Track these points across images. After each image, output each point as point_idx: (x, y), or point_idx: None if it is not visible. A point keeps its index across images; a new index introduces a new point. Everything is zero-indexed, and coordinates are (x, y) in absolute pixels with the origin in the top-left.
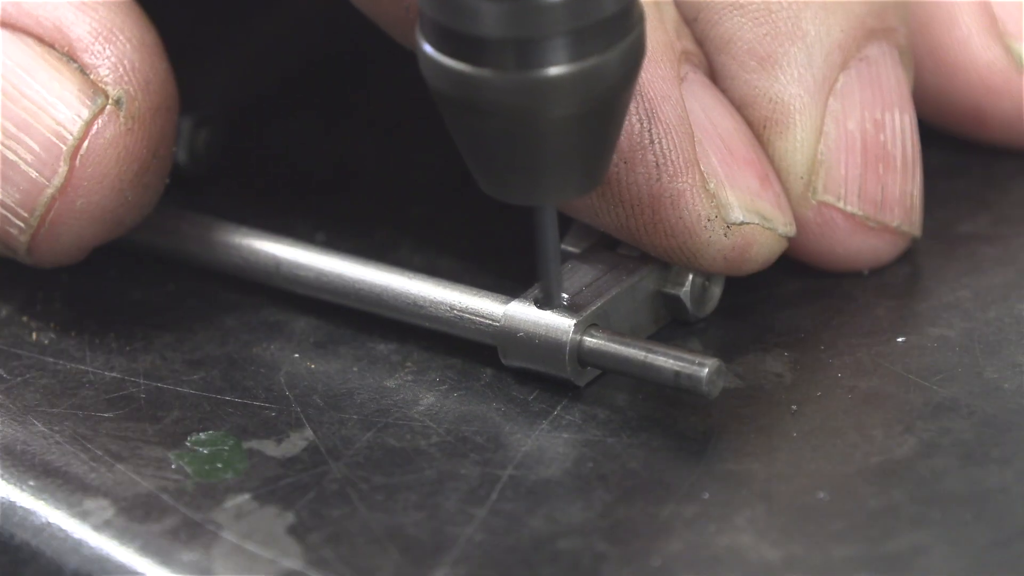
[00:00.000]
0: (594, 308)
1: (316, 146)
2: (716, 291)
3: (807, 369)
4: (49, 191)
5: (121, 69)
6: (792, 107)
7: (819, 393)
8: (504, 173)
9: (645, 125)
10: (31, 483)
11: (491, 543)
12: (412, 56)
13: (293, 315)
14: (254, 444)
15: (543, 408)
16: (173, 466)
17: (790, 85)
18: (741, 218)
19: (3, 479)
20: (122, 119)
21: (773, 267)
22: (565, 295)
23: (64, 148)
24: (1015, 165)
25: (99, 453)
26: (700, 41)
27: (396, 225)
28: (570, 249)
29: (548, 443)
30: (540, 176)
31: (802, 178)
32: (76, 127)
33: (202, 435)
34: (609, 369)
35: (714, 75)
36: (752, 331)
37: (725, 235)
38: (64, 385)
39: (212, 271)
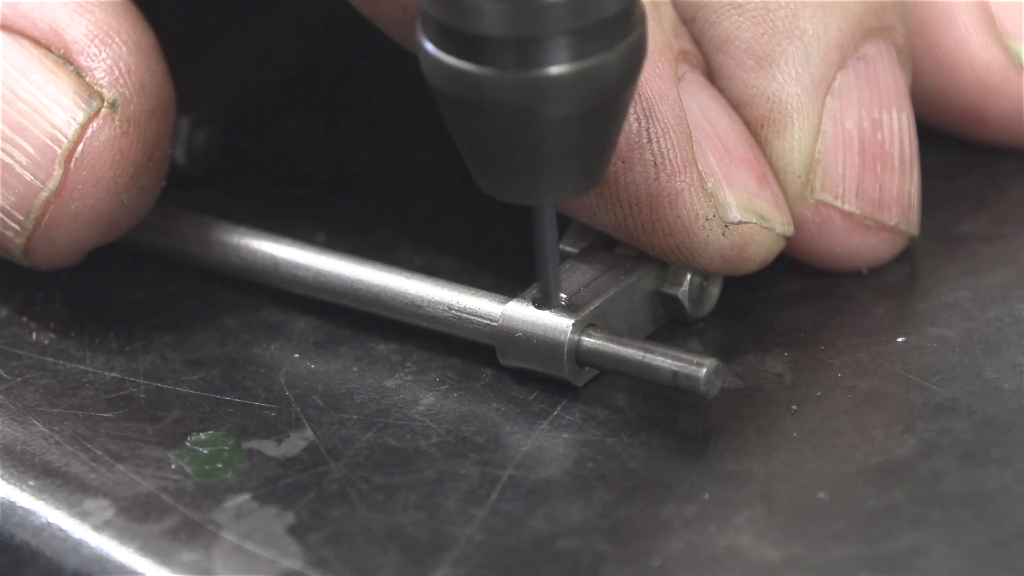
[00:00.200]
0: (592, 308)
1: (316, 146)
2: (714, 291)
3: (807, 369)
4: (44, 194)
5: (117, 72)
6: (790, 106)
7: (819, 393)
8: (503, 172)
9: (643, 124)
10: (31, 483)
11: (491, 543)
12: (412, 56)
13: (293, 315)
14: (254, 444)
15: (543, 408)
16: (173, 466)
17: (788, 84)
18: (739, 217)
19: (3, 479)
20: (117, 122)
21: (772, 267)
22: (563, 295)
23: (59, 151)
24: (1014, 165)
25: (99, 453)
26: (698, 41)
27: (396, 225)
28: (568, 249)
29: (548, 443)
30: (539, 175)
31: (800, 177)
32: (71, 130)
33: (202, 435)
34: (607, 369)
35: (712, 74)
36: (751, 331)
37: (723, 234)
38: (64, 385)
39: (212, 271)
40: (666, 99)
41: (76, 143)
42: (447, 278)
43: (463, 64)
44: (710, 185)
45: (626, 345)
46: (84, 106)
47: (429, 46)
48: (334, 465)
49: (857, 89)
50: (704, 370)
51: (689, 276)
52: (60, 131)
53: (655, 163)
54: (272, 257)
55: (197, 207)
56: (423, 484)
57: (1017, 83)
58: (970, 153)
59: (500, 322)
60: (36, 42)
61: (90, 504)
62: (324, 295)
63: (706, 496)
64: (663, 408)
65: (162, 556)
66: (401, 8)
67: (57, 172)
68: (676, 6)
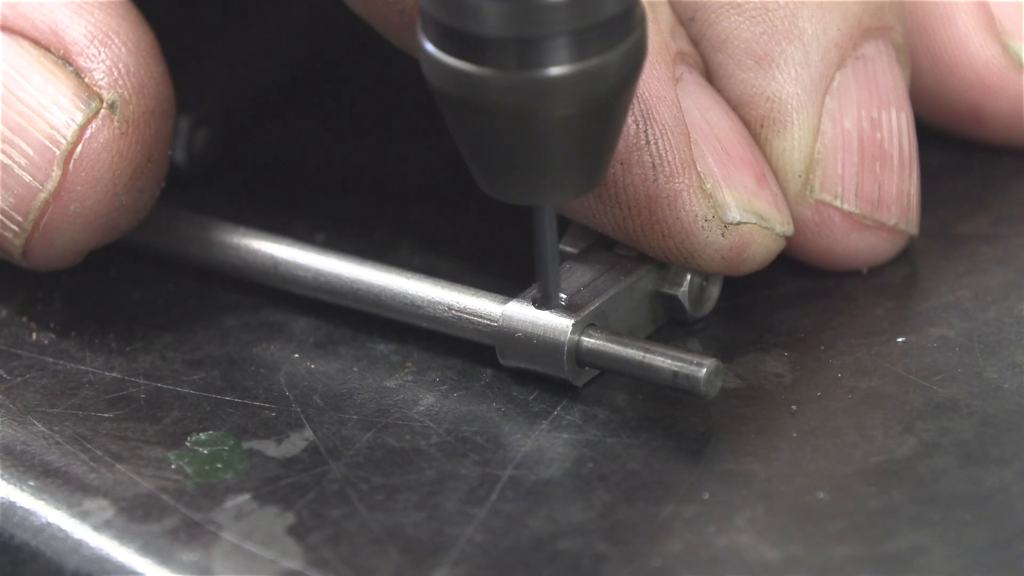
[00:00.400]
0: (592, 308)
1: (316, 146)
2: (714, 291)
3: (807, 369)
4: (43, 195)
5: (116, 73)
6: (789, 106)
7: (819, 393)
8: (504, 173)
9: (641, 126)
10: (31, 483)
11: (491, 543)
12: (411, 57)
13: (293, 315)
14: (254, 444)
15: (543, 408)
16: (173, 466)
17: (787, 84)
18: (738, 218)
19: (3, 479)
20: (116, 123)
21: (772, 267)
22: (563, 295)
23: (58, 152)
24: (1014, 165)
25: (99, 453)
26: (696, 41)
27: (396, 225)
28: (568, 249)
29: (548, 443)
30: (539, 176)
31: (799, 177)
32: (70, 131)
33: (202, 435)
34: (607, 369)
35: (710, 75)
36: (751, 331)
37: (722, 235)
38: (64, 385)
39: (211, 271)
40: (664, 100)
41: (75, 144)
42: (447, 278)
43: (463, 65)
44: (709, 186)
45: (626, 345)
46: (83, 107)
47: (429, 47)
48: (334, 465)
49: (856, 89)
50: (704, 370)
51: (689, 276)
52: (59, 132)
53: (653, 165)
54: (272, 257)
55: (197, 207)
56: (423, 484)
57: (1016, 82)
58: (970, 153)
59: (500, 322)
60: (35, 43)
61: (90, 504)
62: (324, 295)
63: (706, 496)
64: (663, 408)
65: (162, 556)
66: (398, 12)
67: (56, 173)
68: (674, 6)
